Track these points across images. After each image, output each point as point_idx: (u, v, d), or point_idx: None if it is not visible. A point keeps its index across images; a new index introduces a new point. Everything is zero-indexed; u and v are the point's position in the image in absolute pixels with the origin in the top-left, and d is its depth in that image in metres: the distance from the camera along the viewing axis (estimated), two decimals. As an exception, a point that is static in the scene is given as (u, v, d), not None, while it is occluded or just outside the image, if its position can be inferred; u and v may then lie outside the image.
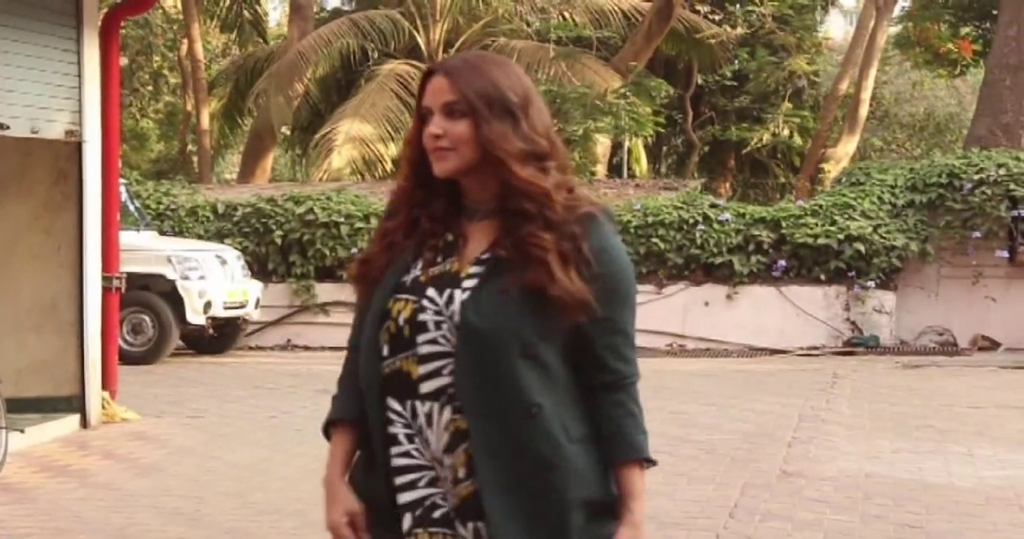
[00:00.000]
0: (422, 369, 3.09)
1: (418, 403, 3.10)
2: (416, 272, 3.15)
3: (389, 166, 28.85)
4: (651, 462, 3.14)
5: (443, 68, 3.14)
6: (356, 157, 28.13)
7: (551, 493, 3.04)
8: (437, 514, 3.11)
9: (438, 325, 3.08)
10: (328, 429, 3.32)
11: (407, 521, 3.12)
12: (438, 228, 3.18)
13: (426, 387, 3.09)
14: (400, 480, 3.13)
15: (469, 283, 3.08)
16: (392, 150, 28.98)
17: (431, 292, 3.10)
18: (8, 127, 11.10)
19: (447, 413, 3.08)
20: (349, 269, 3.35)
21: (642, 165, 32.21)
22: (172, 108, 41.44)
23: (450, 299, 3.08)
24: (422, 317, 3.09)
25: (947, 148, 35.52)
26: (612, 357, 3.10)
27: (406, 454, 3.12)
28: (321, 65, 30.43)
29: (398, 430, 3.13)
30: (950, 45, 30.40)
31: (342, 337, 14.10)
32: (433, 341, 3.08)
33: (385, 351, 3.13)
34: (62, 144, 12.06)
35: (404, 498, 3.13)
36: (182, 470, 10.35)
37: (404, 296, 3.13)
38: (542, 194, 3.07)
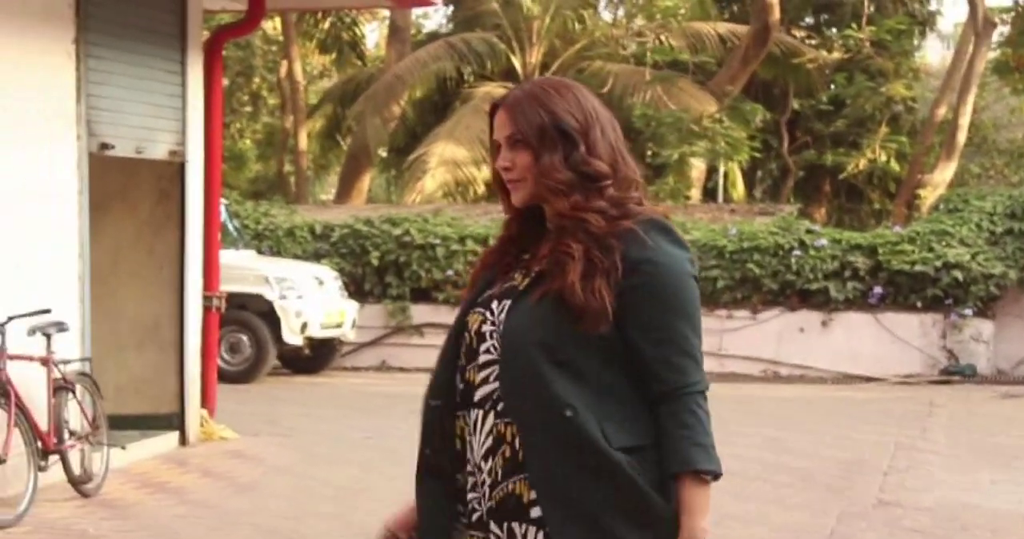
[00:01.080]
0: (479, 377, 3.19)
1: (472, 410, 3.20)
2: (494, 288, 3.25)
3: (481, 189, 28.96)
4: (709, 475, 3.08)
5: (504, 101, 3.25)
6: (449, 180, 28.27)
7: (597, 495, 3.05)
8: (474, 518, 3.21)
9: (492, 335, 3.18)
10: None
11: (457, 523, 3.26)
12: (519, 249, 3.29)
13: (479, 394, 3.19)
14: (459, 482, 3.24)
15: (517, 295, 3.18)
16: (485, 173, 29.08)
17: (494, 305, 3.21)
18: (113, 147, 11.24)
19: (491, 418, 3.16)
20: (462, 292, 3.46)
21: (738, 190, 32.07)
22: (270, 129, 41.78)
23: (503, 310, 3.18)
24: (484, 328, 3.21)
25: (1046, 175, 35.14)
26: (663, 367, 3.09)
27: (469, 461, 3.22)
28: (418, 87, 30.61)
29: (470, 437, 3.22)
30: (1049, 71, 30.04)
31: (436, 358, 14.06)
32: (488, 350, 3.19)
33: (462, 361, 3.24)
34: (165, 164, 12.21)
35: (469, 500, 3.24)
36: (279, 489, 10.43)
37: (478, 310, 3.25)
38: (581, 220, 3.12)
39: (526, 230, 3.29)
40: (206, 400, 12.71)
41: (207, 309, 12.75)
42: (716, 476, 3.09)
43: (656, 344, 3.10)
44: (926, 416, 15.32)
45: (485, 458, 3.17)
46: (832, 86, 33.10)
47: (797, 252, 20.08)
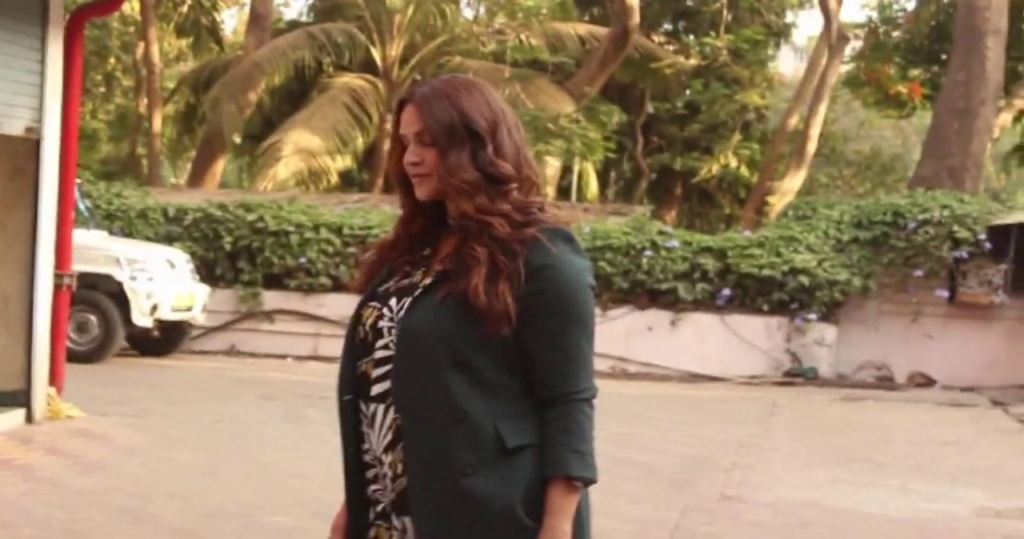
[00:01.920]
0: (375, 372, 3.21)
1: (371, 404, 3.22)
2: (390, 283, 3.27)
3: (335, 178, 28.88)
4: (579, 480, 3.10)
5: (412, 97, 3.25)
6: (303, 168, 28.13)
7: (471, 500, 3.09)
8: (379, 508, 3.26)
9: (390, 331, 3.20)
10: None
11: (371, 514, 3.28)
12: (418, 244, 3.32)
13: (376, 389, 3.21)
14: (368, 474, 3.27)
15: (418, 292, 3.19)
16: (340, 163, 29.02)
17: (392, 301, 3.22)
18: (-31, 121, 11.07)
19: (391, 413, 3.19)
20: (351, 284, 3.47)
21: (591, 189, 32.33)
22: (123, 110, 41.26)
23: (402, 307, 3.20)
24: (381, 323, 3.22)
25: (891, 187, 35.89)
26: (551, 373, 3.12)
27: (367, 451, 3.25)
28: (276, 75, 30.41)
29: (364, 429, 3.25)
30: (900, 87, 30.70)
31: (287, 345, 14.21)
32: (386, 346, 3.20)
33: (356, 354, 3.26)
34: (21, 140, 12.03)
35: (369, 492, 3.27)
36: (127, 469, 10.34)
37: (373, 303, 3.27)
38: (486, 224, 3.15)
39: (425, 225, 3.31)
40: (54, 378, 12.55)
41: (58, 288, 12.58)
42: (588, 482, 3.13)
43: (547, 350, 3.13)
44: (769, 416, 15.60)
45: (386, 451, 3.20)
46: (688, 92, 33.55)
47: (648, 252, 20.32)
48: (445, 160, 3.17)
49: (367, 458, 3.26)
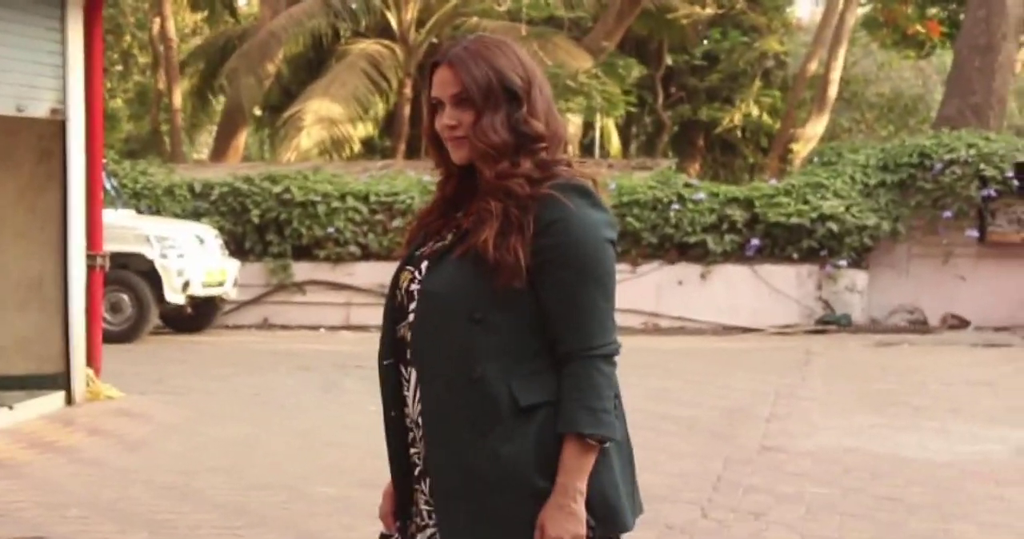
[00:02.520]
0: (411, 335, 3.24)
1: (408, 367, 3.26)
2: (425, 247, 3.29)
3: (357, 146, 28.91)
4: (592, 437, 3.09)
5: (446, 58, 3.23)
6: (325, 137, 28.16)
7: (484, 458, 3.10)
8: (417, 472, 3.29)
9: (419, 293, 3.23)
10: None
11: (413, 478, 3.31)
12: (453, 207, 3.32)
13: (412, 352, 3.24)
14: (409, 438, 3.30)
15: (440, 253, 3.22)
16: (361, 130, 29.05)
17: (424, 264, 3.25)
18: (-6, 105, 11.14)
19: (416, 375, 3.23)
20: (396, 251, 3.50)
21: (614, 145, 32.32)
22: (142, 88, 41.30)
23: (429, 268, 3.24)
24: (413, 287, 3.25)
25: (914, 129, 35.72)
26: (566, 329, 3.12)
27: (408, 415, 3.29)
28: (292, 44, 30.41)
29: (405, 393, 3.29)
30: (918, 26, 30.56)
31: (319, 316, 14.24)
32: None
33: (395, 318, 3.30)
34: (46, 123, 12.09)
35: (411, 455, 3.31)
36: (169, 446, 10.43)
37: (409, 267, 3.29)
38: (506, 187, 3.16)
39: (462, 189, 3.31)
40: (91, 359, 12.64)
41: (91, 268, 12.66)
42: (602, 440, 3.11)
43: (561, 305, 3.12)
44: (804, 365, 15.63)
45: (421, 415, 3.22)
46: (706, 41, 33.42)
47: (675, 206, 20.32)
48: (479, 122, 3.17)
49: (407, 422, 3.29)
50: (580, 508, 3.09)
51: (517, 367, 3.12)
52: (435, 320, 3.16)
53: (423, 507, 3.28)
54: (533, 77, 3.23)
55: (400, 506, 3.35)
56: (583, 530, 3.09)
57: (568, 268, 3.12)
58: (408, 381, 3.26)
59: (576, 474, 3.09)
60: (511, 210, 3.11)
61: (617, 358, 3.20)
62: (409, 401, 3.26)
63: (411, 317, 3.23)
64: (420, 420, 3.22)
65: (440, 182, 3.37)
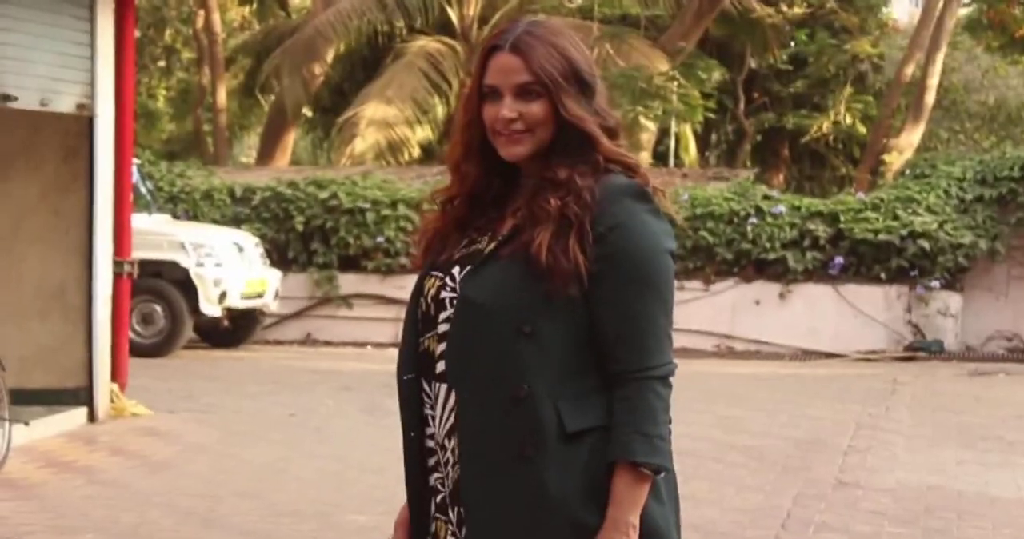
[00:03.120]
0: (439, 348, 3.15)
1: (435, 383, 3.17)
2: (453, 251, 3.21)
3: (416, 151, 28.92)
4: (646, 466, 3.02)
5: (510, 44, 3.14)
6: (381, 141, 28.20)
7: (526, 488, 3.02)
8: (438, 499, 3.19)
9: (451, 302, 3.14)
10: None
11: (432, 506, 3.22)
12: (487, 209, 3.24)
13: (440, 367, 3.15)
14: (430, 461, 3.21)
15: (482, 258, 3.13)
16: (419, 134, 29.05)
17: (455, 269, 3.16)
18: (16, 98, 11.19)
19: (455, 394, 3.13)
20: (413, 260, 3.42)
21: (690, 154, 32.17)
22: (185, 85, 41.53)
23: (465, 274, 3.14)
24: (443, 294, 3.16)
25: (1019, 140, 35.41)
26: (621, 347, 3.05)
27: (431, 437, 3.20)
28: (343, 42, 30.45)
29: (428, 411, 3.20)
30: (1027, 29, 30.30)
31: (366, 332, 14.24)
32: (448, 320, 3.14)
33: (419, 329, 3.21)
34: (72, 119, 12.15)
35: (432, 481, 3.21)
36: (195, 468, 10.45)
37: (436, 273, 3.20)
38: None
39: (497, 188, 3.23)
40: (117, 374, 12.69)
41: (118, 276, 12.72)
42: (658, 471, 3.04)
43: (617, 320, 3.05)
44: (889, 394, 15.50)
45: (449, 436, 3.14)
46: (792, 44, 33.24)
47: (753, 219, 20.21)
48: (570, 106, 3.09)
49: (430, 444, 3.20)
50: None
51: (565, 387, 3.05)
52: (476, 331, 3.07)
53: (448, 538, 3.20)
54: (594, 66, 3.18)
55: (417, 536, 3.26)
56: None
57: (628, 280, 3.05)
58: (432, 398, 3.18)
59: (629, 507, 3.01)
60: (570, 209, 3.04)
61: (673, 379, 3.11)
62: (433, 421, 3.18)
63: (440, 328, 3.14)
64: (446, 442, 3.14)
65: (469, 180, 3.25)
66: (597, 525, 3.02)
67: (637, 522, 3.02)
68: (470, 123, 3.20)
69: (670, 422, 3.10)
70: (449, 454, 3.14)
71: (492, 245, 3.13)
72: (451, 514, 3.16)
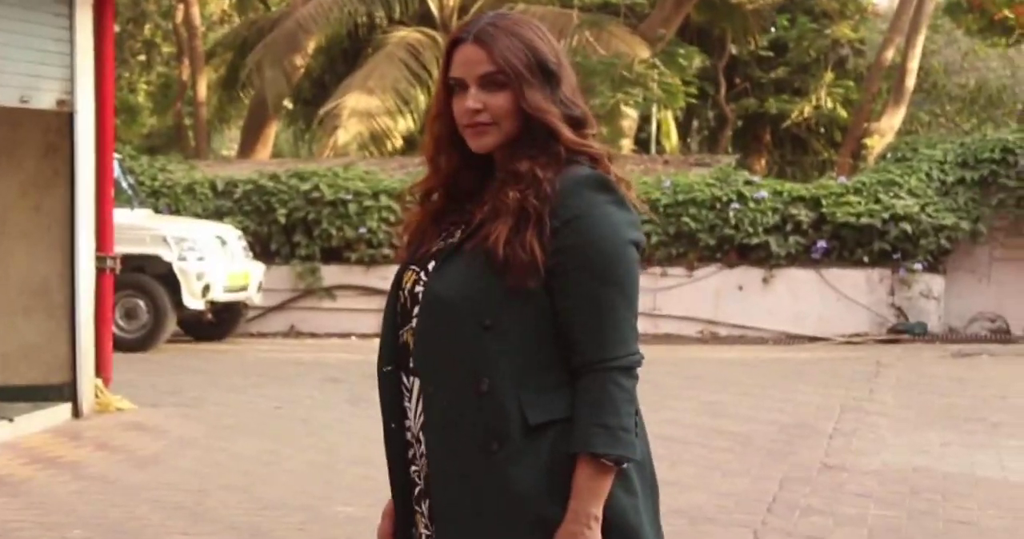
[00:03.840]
0: (413, 341, 3.17)
1: (411, 376, 3.19)
2: (431, 246, 3.22)
3: (399, 142, 28.89)
4: (607, 458, 3.00)
5: (473, 35, 3.14)
6: (363, 132, 28.17)
7: (489, 481, 3.04)
8: (416, 491, 3.21)
9: (423, 295, 3.15)
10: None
11: (413, 497, 3.24)
12: (464, 202, 3.24)
13: (413, 360, 3.17)
14: (409, 453, 3.22)
15: (448, 251, 3.14)
16: (401, 125, 29.02)
17: (431, 264, 3.17)
18: (-5, 96, 11.16)
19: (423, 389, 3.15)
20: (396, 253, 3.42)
21: (672, 140, 32.21)
22: (166, 79, 41.44)
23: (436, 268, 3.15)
24: (418, 288, 3.17)
25: (1000, 122, 35.43)
26: (582, 339, 3.04)
27: (409, 429, 3.21)
28: (324, 34, 30.41)
29: (406, 404, 3.21)
30: (1007, 11, 30.31)
31: (350, 323, 14.25)
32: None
33: (398, 322, 3.23)
34: (53, 115, 12.12)
35: (412, 472, 3.22)
36: (182, 462, 10.44)
37: (413, 267, 3.22)
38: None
39: (472, 181, 3.22)
40: (101, 369, 12.67)
41: (100, 271, 12.69)
42: (619, 461, 3.02)
43: (577, 313, 3.05)
44: (873, 377, 15.52)
45: (423, 429, 3.15)
46: (773, 29, 33.25)
47: (736, 205, 20.23)
48: (532, 97, 3.09)
49: (408, 436, 3.21)
50: (595, 536, 3.01)
51: (529, 380, 3.05)
52: (440, 325, 3.09)
53: (422, 530, 3.22)
54: (562, 58, 3.18)
55: (401, 527, 3.28)
56: None
57: (587, 272, 3.04)
58: (410, 391, 3.19)
59: (590, 499, 3.01)
60: (529, 202, 3.04)
61: (638, 371, 3.11)
62: (410, 413, 3.19)
63: (414, 321, 3.16)
64: (421, 435, 3.16)
65: (443, 173, 3.25)
66: (560, 518, 3.02)
67: (599, 514, 3.02)
68: (439, 116, 3.21)
69: (637, 413, 3.10)
70: (424, 447, 3.15)
71: (459, 239, 3.14)
72: (423, 507, 3.19)
